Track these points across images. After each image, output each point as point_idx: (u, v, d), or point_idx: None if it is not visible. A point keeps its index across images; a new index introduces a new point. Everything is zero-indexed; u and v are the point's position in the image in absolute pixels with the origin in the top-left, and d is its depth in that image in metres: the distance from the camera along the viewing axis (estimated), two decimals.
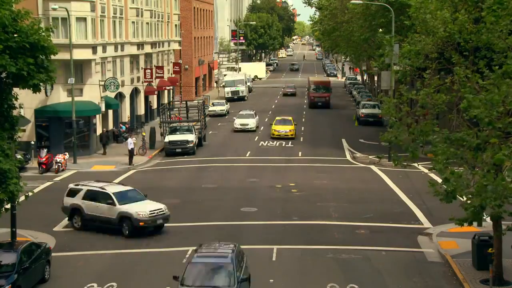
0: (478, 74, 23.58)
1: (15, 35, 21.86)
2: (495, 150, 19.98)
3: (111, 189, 30.60)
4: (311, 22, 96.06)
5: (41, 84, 22.95)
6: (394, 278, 24.12)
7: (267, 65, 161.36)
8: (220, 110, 74.46)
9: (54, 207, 34.54)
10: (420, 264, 25.80)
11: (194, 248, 22.88)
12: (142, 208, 29.31)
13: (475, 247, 24.61)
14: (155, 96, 69.25)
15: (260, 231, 30.14)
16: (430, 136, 24.13)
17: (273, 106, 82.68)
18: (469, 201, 21.05)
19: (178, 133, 51.98)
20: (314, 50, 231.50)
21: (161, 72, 65.78)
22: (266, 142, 56.42)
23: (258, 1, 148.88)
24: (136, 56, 62.58)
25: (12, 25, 21.74)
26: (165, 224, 30.67)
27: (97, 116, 51.23)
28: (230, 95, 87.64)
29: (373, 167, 45.21)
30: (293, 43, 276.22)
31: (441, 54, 27.38)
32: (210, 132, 61.16)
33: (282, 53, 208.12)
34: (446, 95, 24.69)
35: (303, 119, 70.27)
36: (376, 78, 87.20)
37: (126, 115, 59.85)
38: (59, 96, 48.03)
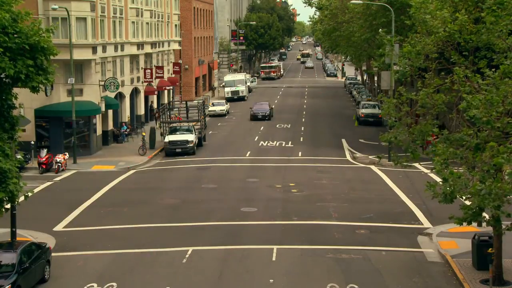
0: (478, 74, 23.60)
1: (15, 36, 21.82)
2: (494, 151, 19.99)
3: None
4: (311, 22, 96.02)
5: (40, 85, 22.92)
6: (394, 278, 24.12)
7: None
8: (220, 110, 74.51)
9: (54, 207, 34.64)
10: (420, 264, 25.79)
11: None
12: None
13: (475, 247, 24.61)
14: (155, 96, 69.30)
15: (260, 231, 30.12)
16: (430, 137, 24.17)
17: (273, 106, 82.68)
18: (468, 202, 21.05)
19: (178, 133, 52.00)
20: (311, 52, 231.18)
21: (161, 72, 65.78)
22: (266, 142, 56.43)
23: (258, 1, 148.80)
24: (136, 56, 62.58)
25: (12, 26, 21.69)
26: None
27: (97, 116, 51.23)
28: (230, 95, 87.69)
29: (373, 167, 45.21)
30: (293, 44, 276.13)
31: (441, 54, 27.38)
32: (210, 132, 61.18)
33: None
34: (446, 95, 24.70)
35: (303, 119, 70.32)
36: (376, 78, 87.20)
37: (126, 115, 59.87)
38: (59, 96, 48.04)
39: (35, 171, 43.48)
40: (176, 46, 78.83)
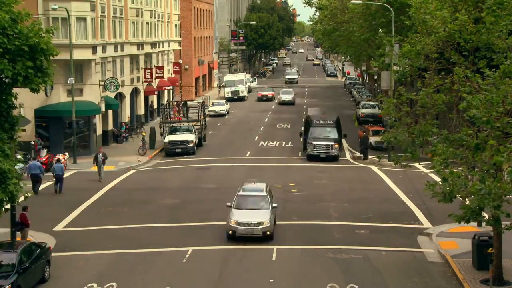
0: (478, 74, 23.60)
1: (15, 37, 21.78)
2: (494, 150, 19.99)
3: None
4: (311, 23, 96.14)
5: (40, 86, 22.91)
6: (394, 278, 24.11)
7: (266, 65, 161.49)
8: (220, 110, 74.54)
9: (54, 207, 34.63)
10: (420, 264, 25.78)
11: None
12: None
13: (475, 247, 24.60)
14: (155, 96, 69.29)
15: None
16: (430, 136, 24.16)
17: (273, 106, 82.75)
18: (468, 202, 21.05)
19: (178, 133, 52.00)
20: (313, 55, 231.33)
21: (161, 72, 65.77)
22: (266, 142, 56.44)
23: (258, 1, 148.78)
24: (136, 56, 62.57)
25: (12, 27, 21.65)
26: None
27: (97, 116, 51.24)
28: (230, 95, 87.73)
29: (373, 167, 45.19)
30: (294, 42, 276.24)
31: (441, 54, 27.39)
32: (210, 132, 61.18)
33: (282, 53, 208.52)
34: (446, 95, 24.70)
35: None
36: (376, 78, 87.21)
37: (126, 115, 59.87)
38: (59, 96, 48.03)
39: None
40: (176, 46, 78.82)
